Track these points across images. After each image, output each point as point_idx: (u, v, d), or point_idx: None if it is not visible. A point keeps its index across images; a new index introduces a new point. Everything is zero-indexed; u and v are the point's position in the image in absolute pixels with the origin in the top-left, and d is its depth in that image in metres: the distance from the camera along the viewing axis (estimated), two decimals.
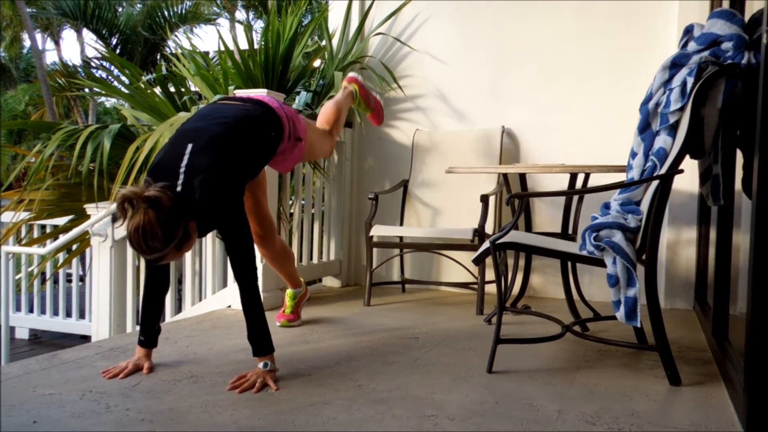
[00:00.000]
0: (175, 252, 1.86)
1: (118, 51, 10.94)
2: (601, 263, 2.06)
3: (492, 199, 3.44)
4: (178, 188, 1.88)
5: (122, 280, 3.54)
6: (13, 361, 2.32)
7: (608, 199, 2.35)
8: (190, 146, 1.97)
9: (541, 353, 2.39)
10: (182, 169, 1.92)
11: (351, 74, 2.99)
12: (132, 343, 2.47)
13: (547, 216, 3.70)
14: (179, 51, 4.25)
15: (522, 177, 3.27)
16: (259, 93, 3.09)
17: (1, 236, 4.48)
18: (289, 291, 2.86)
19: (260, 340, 2.04)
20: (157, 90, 4.04)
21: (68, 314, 5.02)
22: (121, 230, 3.47)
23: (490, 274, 3.51)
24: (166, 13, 11.38)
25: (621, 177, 2.74)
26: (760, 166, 1.56)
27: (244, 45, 3.91)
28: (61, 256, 4.44)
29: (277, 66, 3.74)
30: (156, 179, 1.88)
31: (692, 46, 2.15)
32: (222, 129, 2.04)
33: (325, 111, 2.75)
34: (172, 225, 1.80)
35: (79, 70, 10.63)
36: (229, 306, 3.26)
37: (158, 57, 11.16)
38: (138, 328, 3.45)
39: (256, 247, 2.52)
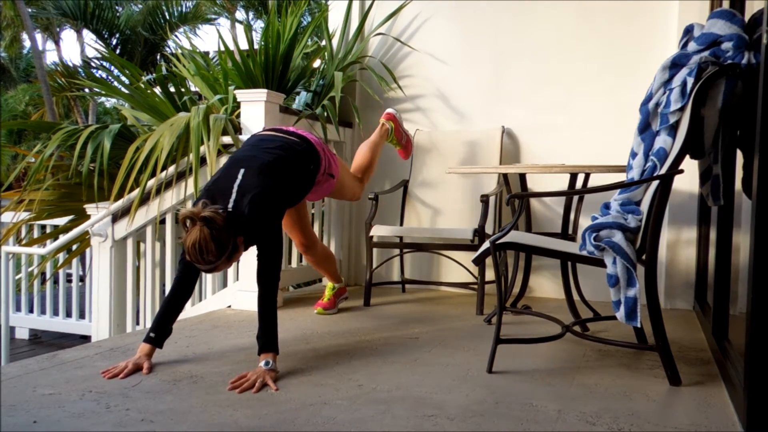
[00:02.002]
0: (226, 263, 2.08)
1: (118, 51, 10.93)
2: (601, 263, 2.06)
3: (492, 199, 3.44)
4: (230, 206, 2.11)
5: (122, 280, 3.54)
6: (13, 361, 2.32)
7: (608, 199, 2.35)
8: (242, 171, 2.19)
9: (541, 353, 2.39)
10: (235, 188, 2.14)
11: (389, 111, 3.23)
12: (132, 343, 2.47)
13: (547, 216, 3.70)
14: (179, 51, 4.25)
15: (522, 177, 3.27)
16: (261, 94, 3.10)
17: (1, 236, 4.48)
18: (329, 284, 3.19)
19: (268, 338, 2.12)
20: (157, 90, 4.04)
21: (68, 314, 5.02)
22: (120, 230, 3.47)
23: (490, 274, 3.51)
24: (166, 13, 11.37)
25: (621, 177, 2.74)
26: (760, 166, 1.56)
27: (244, 45, 3.91)
28: (61, 256, 4.44)
29: (277, 66, 3.74)
30: (210, 199, 2.11)
31: (692, 46, 2.15)
32: (272, 158, 2.27)
33: (361, 158, 3.04)
34: (224, 240, 2.01)
35: (79, 70, 10.61)
36: (229, 306, 3.26)
37: (158, 57, 11.15)
38: (137, 327, 3.50)
39: (302, 254, 3.03)
